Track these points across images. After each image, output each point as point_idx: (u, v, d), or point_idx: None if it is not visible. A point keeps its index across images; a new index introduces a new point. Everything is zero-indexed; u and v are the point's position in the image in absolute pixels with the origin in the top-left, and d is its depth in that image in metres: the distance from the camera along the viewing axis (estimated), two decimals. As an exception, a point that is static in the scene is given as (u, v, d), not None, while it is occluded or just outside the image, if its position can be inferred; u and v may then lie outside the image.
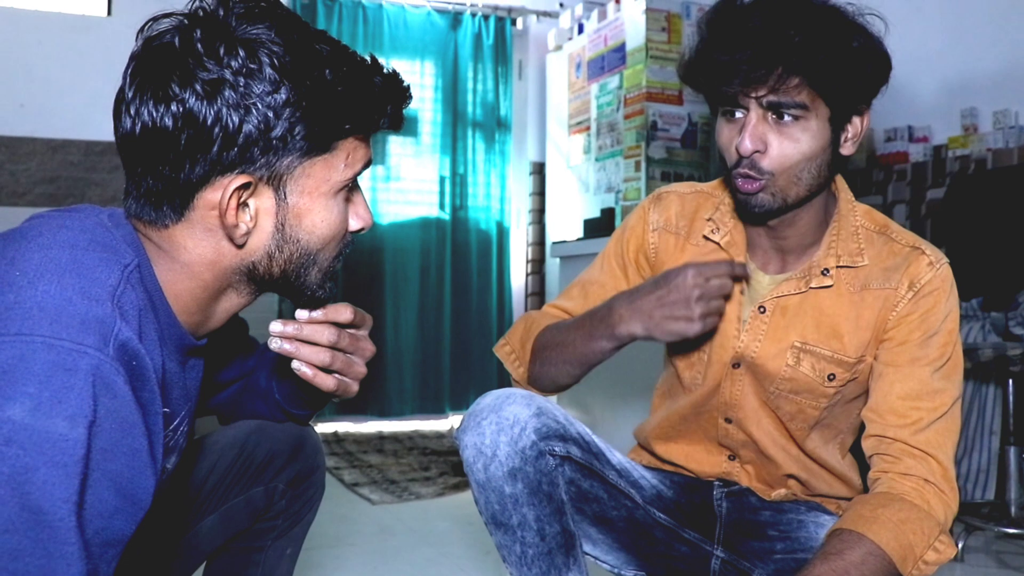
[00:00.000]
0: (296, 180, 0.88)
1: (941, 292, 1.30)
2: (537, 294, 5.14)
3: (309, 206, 0.90)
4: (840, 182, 1.39)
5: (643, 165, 4.07)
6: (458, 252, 4.92)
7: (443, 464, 3.79)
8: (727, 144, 1.27)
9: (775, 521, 1.45)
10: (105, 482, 0.73)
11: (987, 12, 3.59)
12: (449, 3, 4.89)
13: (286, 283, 0.95)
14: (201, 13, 0.86)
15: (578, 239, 3.72)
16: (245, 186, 0.86)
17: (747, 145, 1.23)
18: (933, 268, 1.31)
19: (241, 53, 0.83)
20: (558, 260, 4.11)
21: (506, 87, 5.00)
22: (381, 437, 4.41)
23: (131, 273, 0.82)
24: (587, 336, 1.37)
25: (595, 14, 4.49)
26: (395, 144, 4.82)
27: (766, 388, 1.40)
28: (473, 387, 4.85)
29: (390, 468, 3.71)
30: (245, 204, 0.87)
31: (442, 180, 4.88)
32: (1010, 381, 2.70)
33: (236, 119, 0.83)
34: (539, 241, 5.13)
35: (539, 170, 5.12)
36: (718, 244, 1.40)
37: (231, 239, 0.88)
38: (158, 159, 0.85)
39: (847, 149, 1.30)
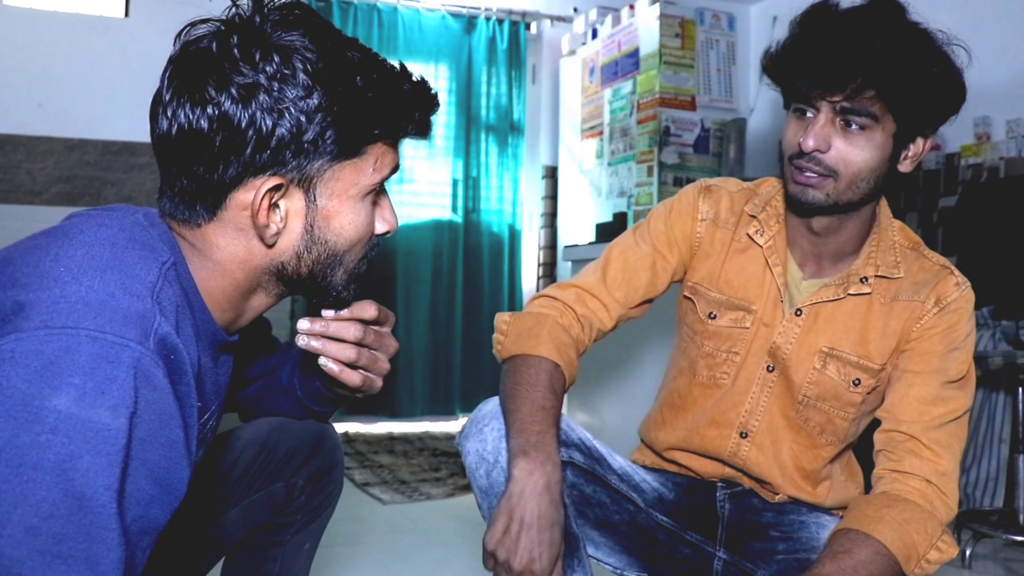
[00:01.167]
0: (326, 183, 0.90)
1: (964, 312, 1.35)
2: (548, 297, 5.17)
3: (337, 209, 0.92)
4: (882, 199, 1.42)
5: (655, 170, 4.08)
6: (470, 255, 4.94)
7: (453, 465, 3.81)
8: (791, 139, 1.30)
9: (777, 522, 1.46)
10: (143, 471, 0.76)
11: (1001, 21, 3.59)
12: (464, 7, 4.91)
13: (313, 283, 0.97)
14: (237, 20, 0.89)
15: (590, 243, 3.75)
16: (276, 187, 0.88)
17: (810, 143, 1.26)
18: (959, 289, 1.36)
19: (276, 59, 0.86)
20: (569, 264, 4.13)
21: (519, 91, 5.03)
22: (392, 438, 4.43)
23: (168, 270, 0.84)
24: (514, 427, 1.29)
25: (609, 19, 4.52)
26: (408, 147, 4.84)
27: (794, 397, 1.41)
28: (483, 389, 4.87)
29: (401, 468, 3.73)
30: (276, 205, 0.90)
31: (455, 183, 4.91)
32: (1020, 389, 2.71)
33: (270, 123, 0.85)
34: (551, 244, 5.15)
35: (551, 174, 5.14)
36: (760, 246, 1.43)
37: (262, 239, 0.90)
38: (193, 160, 0.87)
39: (905, 167, 1.33)
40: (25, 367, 0.70)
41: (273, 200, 0.89)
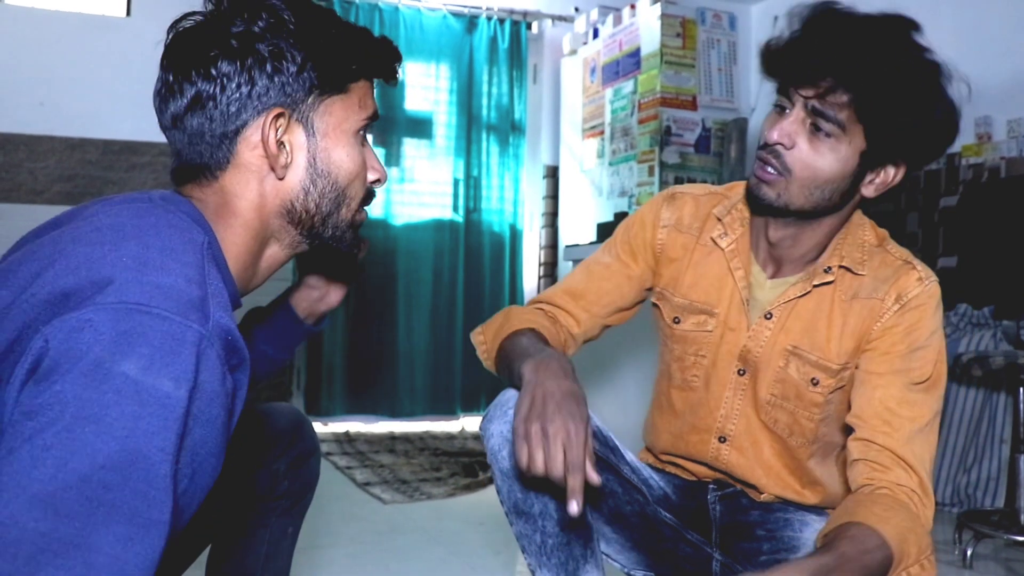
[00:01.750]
0: (320, 117, 1.02)
1: (927, 308, 1.31)
2: (549, 297, 5.17)
3: (335, 143, 1.03)
4: (856, 212, 1.40)
5: (656, 170, 4.08)
6: (471, 254, 4.94)
7: (454, 465, 3.81)
8: (763, 131, 1.30)
9: (763, 520, 1.47)
10: (192, 445, 0.82)
11: (1001, 20, 3.59)
12: (465, 6, 4.91)
13: (322, 224, 1.05)
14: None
15: (591, 243, 3.75)
16: (279, 116, 0.99)
17: (774, 135, 1.26)
18: (922, 284, 1.31)
19: (263, 14, 0.98)
20: (571, 263, 4.13)
21: (521, 91, 5.03)
22: (392, 437, 4.43)
23: (207, 251, 0.92)
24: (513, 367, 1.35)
25: (610, 19, 4.52)
26: (409, 146, 4.85)
27: (762, 398, 1.42)
28: (484, 389, 4.87)
29: (401, 468, 3.73)
30: (281, 143, 1.00)
31: (456, 182, 4.91)
32: (1021, 389, 2.71)
33: (269, 66, 0.97)
34: (552, 244, 5.15)
35: (552, 174, 5.14)
36: (722, 250, 1.43)
37: (273, 170, 1.00)
38: (206, 119, 0.97)
39: (869, 191, 1.31)
40: (101, 334, 0.77)
41: (278, 134, 0.99)
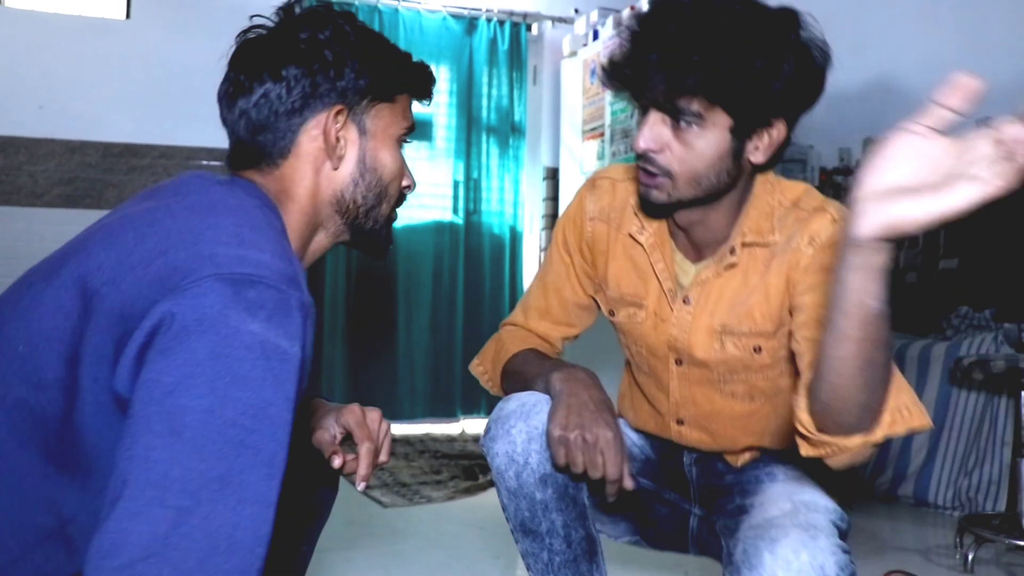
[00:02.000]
0: (371, 120, 1.14)
1: None
2: (549, 299, 5.15)
3: (382, 143, 1.15)
4: (764, 175, 1.37)
5: (656, 172, 4.08)
6: (471, 256, 4.93)
7: (454, 468, 3.80)
8: (634, 139, 1.28)
9: (737, 482, 1.46)
10: (298, 398, 0.91)
11: (1004, 20, 3.58)
12: (465, 8, 4.91)
13: (365, 216, 1.17)
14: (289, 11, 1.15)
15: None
16: (339, 112, 1.11)
17: (640, 144, 1.25)
18: (836, 224, 1.27)
19: (329, 25, 1.11)
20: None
21: (520, 92, 5.02)
22: (392, 439, 4.42)
23: (282, 234, 1.04)
24: (533, 381, 1.43)
25: (610, 20, 4.51)
26: (409, 148, 4.81)
27: (710, 378, 1.41)
28: (484, 391, 4.83)
29: (401, 471, 3.73)
30: (338, 137, 1.11)
31: (456, 184, 4.90)
32: (1022, 393, 2.70)
33: (332, 71, 1.09)
34: (552, 246, 5.15)
35: (552, 175, 5.13)
36: (642, 246, 1.42)
37: (330, 159, 1.11)
38: (271, 113, 1.09)
39: (758, 158, 1.29)
40: (224, 296, 0.86)
41: (337, 130, 1.11)
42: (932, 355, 3.18)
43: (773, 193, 1.35)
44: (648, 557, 2.57)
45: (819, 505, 1.22)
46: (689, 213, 1.33)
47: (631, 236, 1.43)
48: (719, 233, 1.36)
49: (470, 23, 4.94)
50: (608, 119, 4.51)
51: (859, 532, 2.98)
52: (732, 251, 1.34)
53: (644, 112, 1.27)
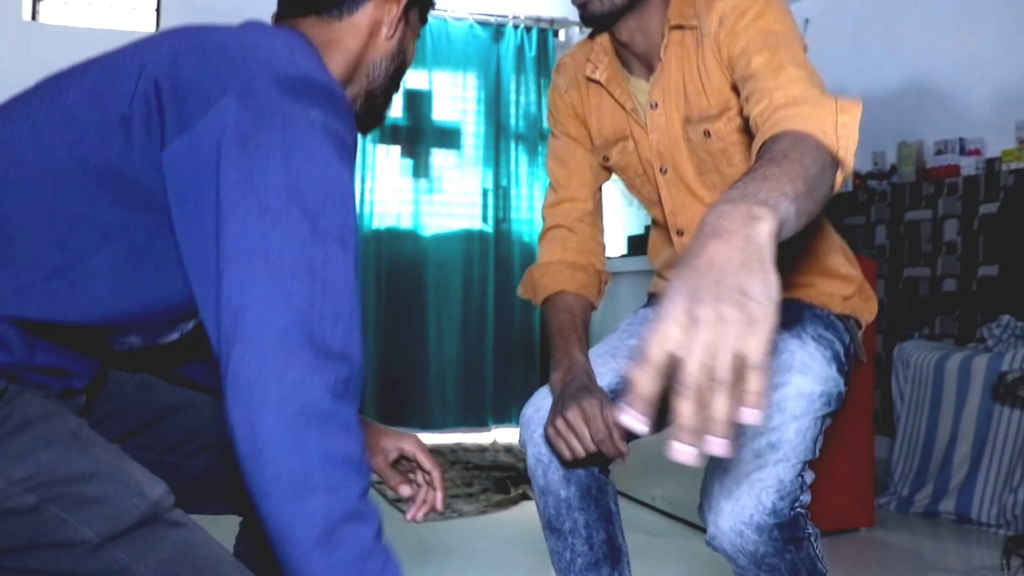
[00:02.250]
0: (412, 16, 1.24)
1: None
2: (580, 306, 5.11)
3: (410, 40, 1.26)
4: None
5: (687, 178, 4.03)
6: (501, 265, 4.91)
7: (486, 480, 3.78)
8: None
9: None
10: None
11: (1042, 22, 3.50)
12: (491, 15, 4.89)
13: (381, 91, 1.26)
14: None
15: (622, 255, 3.69)
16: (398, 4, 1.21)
17: None
18: None
19: None
20: (601, 274, 4.07)
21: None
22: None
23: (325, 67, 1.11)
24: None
25: (639, 26, 4.48)
26: (438, 156, 4.83)
27: (697, 172, 1.48)
28: (515, 400, 4.84)
29: (433, 483, 3.71)
30: (400, 18, 1.21)
31: (485, 192, 4.89)
32: (1067, 405, 2.63)
33: None
34: (582, 253, 5.11)
35: (582, 182, 5.10)
36: (599, 83, 1.52)
37: (388, 29, 1.20)
38: None
39: None
40: (283, 92, 0.95)
41: (400, 10, 1.20)
42: (973, 368, 3.10)
43: None
44: (674, 555, 2.55)
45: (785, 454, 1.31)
46: (626, 23, 1.43)
47: (588, 78, 1.54)
48: (654, 36, 1.45)
49: (497, 30, 4.92)
50: (637, 125, 4.48)
51: (899, 550, 2.92)
52: (663, 38, 1.43)
53: None
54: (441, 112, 4.84)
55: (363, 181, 4.69)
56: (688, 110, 1.43)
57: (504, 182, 4.92)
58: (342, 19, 1.19)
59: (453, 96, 4.86)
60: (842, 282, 1.51)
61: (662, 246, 1.63)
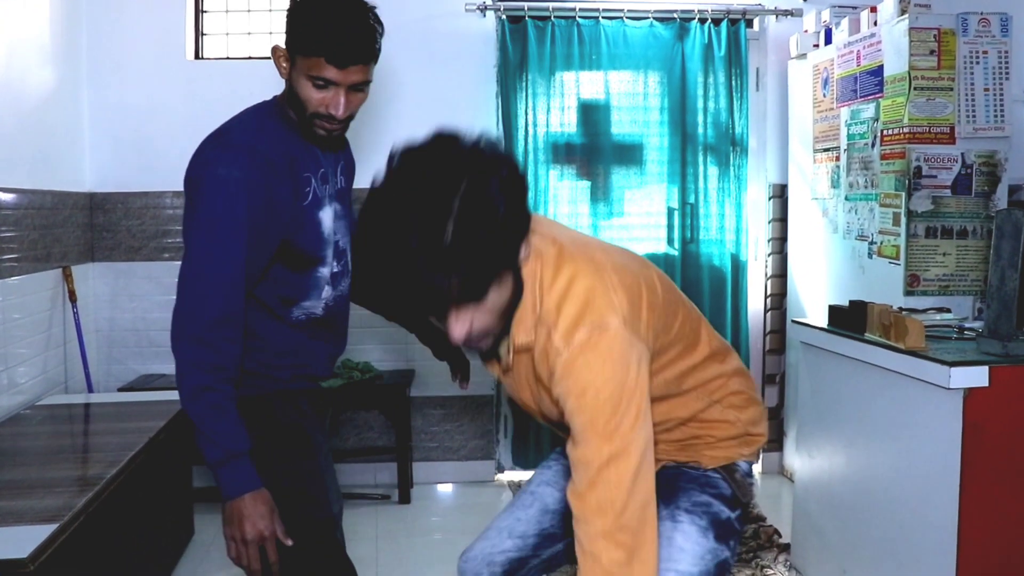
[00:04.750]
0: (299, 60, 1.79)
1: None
2: (775, 339, 4.61)
3: (299, 76, 1.79)
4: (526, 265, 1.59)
5: (903, 218, 3.44)
6: (689, 290, 4.47)
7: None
8: None
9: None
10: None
11: None
12: (674, 10, 4.33)
13: (298, 112, 1.84)
14: None
15: (822, 329, 3.19)
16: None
17: (455, 339, 1.43)
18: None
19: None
20: (799, 345, 3.54)
21: (741, 102, 4.39)
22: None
23: (266, 116, 1.94)
24: None
25: (846, 23, 3.82)
26: (617, 176, 4.40)
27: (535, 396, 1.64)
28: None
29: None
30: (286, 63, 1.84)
31: (670, 212, 4.43)
32: None
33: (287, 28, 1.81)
34: (780, 273, 4.56)
35: (780, 193, 4.53)
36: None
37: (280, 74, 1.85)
38: None
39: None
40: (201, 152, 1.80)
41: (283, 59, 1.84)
42: None
43: (534, 290, 1.48)
44: None
45: None
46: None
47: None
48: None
49: (681, 26, 4.36)
50: (844, 142, 3.88)
51: None
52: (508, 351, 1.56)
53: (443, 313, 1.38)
54: (620, 126, 4.37)
55: (536, 208, 4.35)
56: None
57: (691, 199, 4.43)
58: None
59: (633, 107, 4.36)
60: (724, 426, 1.69)
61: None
